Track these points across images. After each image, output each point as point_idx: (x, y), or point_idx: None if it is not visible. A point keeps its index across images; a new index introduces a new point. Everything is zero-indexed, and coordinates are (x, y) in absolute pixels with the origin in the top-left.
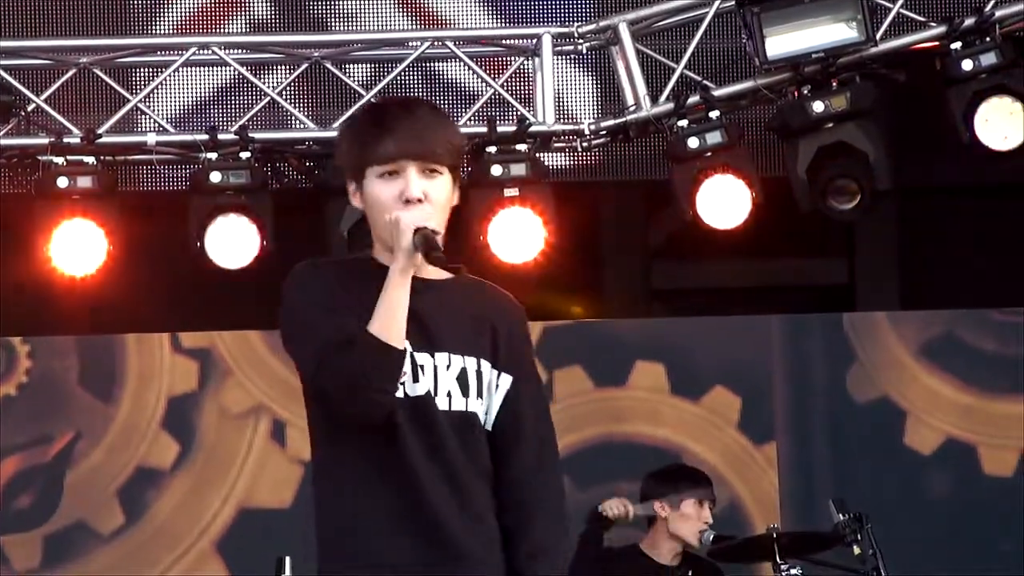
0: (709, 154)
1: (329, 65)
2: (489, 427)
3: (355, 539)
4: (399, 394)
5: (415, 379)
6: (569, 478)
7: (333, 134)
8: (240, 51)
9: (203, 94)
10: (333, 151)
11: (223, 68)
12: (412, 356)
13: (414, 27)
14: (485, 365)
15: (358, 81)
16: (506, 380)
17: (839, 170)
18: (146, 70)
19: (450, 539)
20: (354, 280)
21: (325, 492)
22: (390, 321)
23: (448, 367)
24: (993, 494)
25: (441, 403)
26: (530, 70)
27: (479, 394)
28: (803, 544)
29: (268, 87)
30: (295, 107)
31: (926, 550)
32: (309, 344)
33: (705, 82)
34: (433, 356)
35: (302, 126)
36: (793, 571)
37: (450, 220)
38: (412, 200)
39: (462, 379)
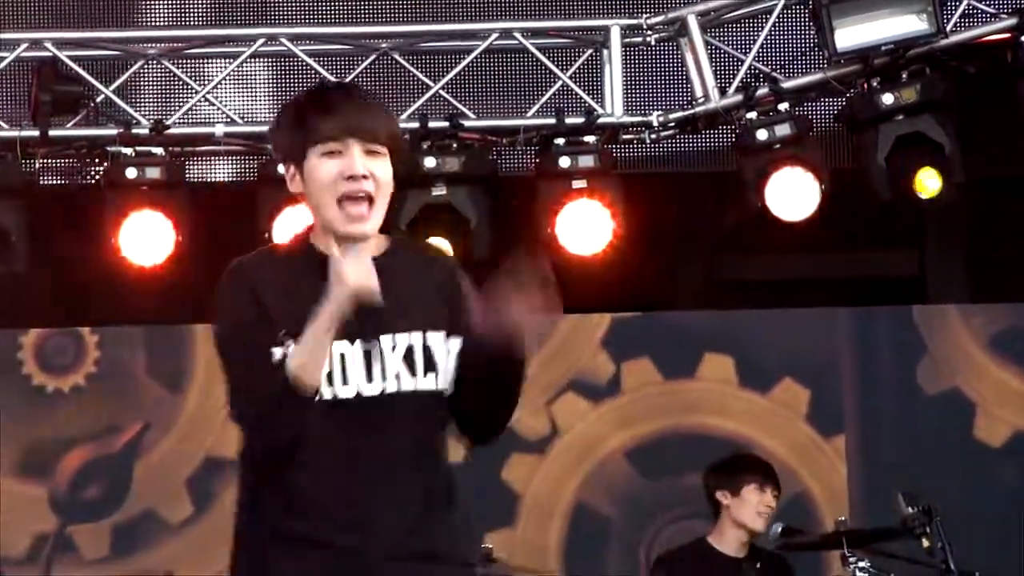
0: (778, 146)
1: (397, 56)
2: (450, 391)
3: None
4: (351, 393)
5: (344, 380)
6: (638, 469)
7: (401, 125)
8: (308, 43)
9: (271, 86)
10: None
11: (291, 60)
12: (355, 346)
13: (483, 18)
14: (434, 337)
15: (426, 73)
16: (455, 344)
17: (921, 159)
18: (214, 61)
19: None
20: (291, 271)
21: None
22: (310, 359)
23: (394, 348)
24: None
25: (390, 387)
26: (599, 62)
27: (428, 370)
28: (871, 536)
29: (336, 79)
30: None
31: (995, 543)
32: (231, 366)
33: (774, 74)
34: (378, 340)
35: None
36: (861, 563)
37: (520, 209)
38: (357, 176)
39: (408, 358)
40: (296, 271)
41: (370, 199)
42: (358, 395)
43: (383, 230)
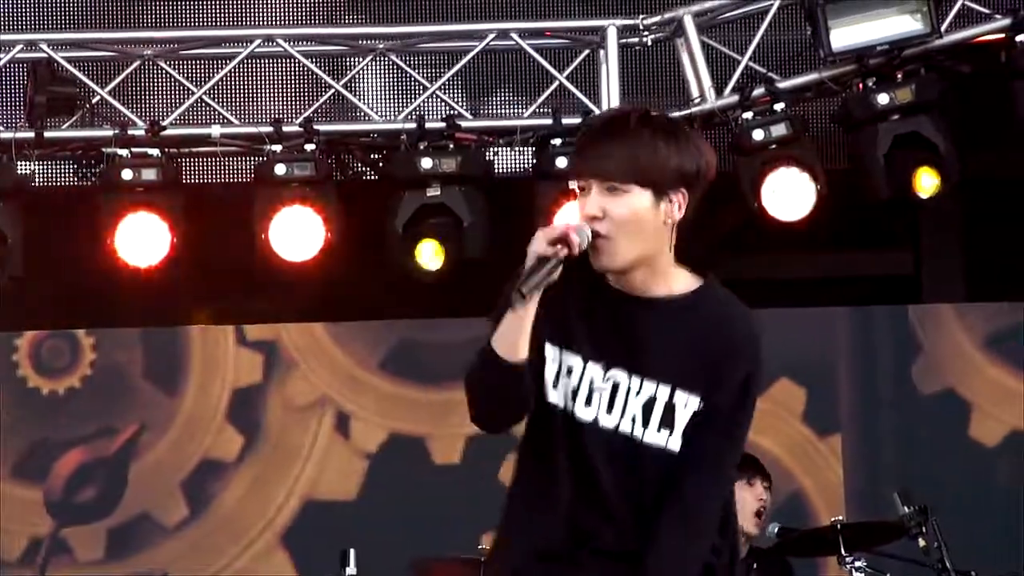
0: (774, 146)
1: (394, 57)
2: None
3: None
4: (590, 417)
5: (588, 401)
6: None
7: (397, 126)
8: (305, 43)
9: (268, 86)
10: (398, 143)
11: (288, 60)
12: (598, 374)
13: (479, 19)
14: (681, 396)
15: (423, 73)
16: (694, 403)
17: (917, 158)
18: (211, 62)
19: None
20: (584, 290)
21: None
22: (502, 337)
23: (639, 393)
24: None
25: (624, 427)
26: (595, 62)
27: (663, 426)
28: (867, 536)
29: (333, 79)
30: (360, 99)
31: (991, 542)
32: None
33: (770, 74)
34: (630, 377)
35: (367, 118)
36: (858, 563)
37: (517, 210)
38: (587, 216)
39: (648, 407)
40: (587, 291)
41: (603, 237)
42: (595, 422)
43: (698, 270)
